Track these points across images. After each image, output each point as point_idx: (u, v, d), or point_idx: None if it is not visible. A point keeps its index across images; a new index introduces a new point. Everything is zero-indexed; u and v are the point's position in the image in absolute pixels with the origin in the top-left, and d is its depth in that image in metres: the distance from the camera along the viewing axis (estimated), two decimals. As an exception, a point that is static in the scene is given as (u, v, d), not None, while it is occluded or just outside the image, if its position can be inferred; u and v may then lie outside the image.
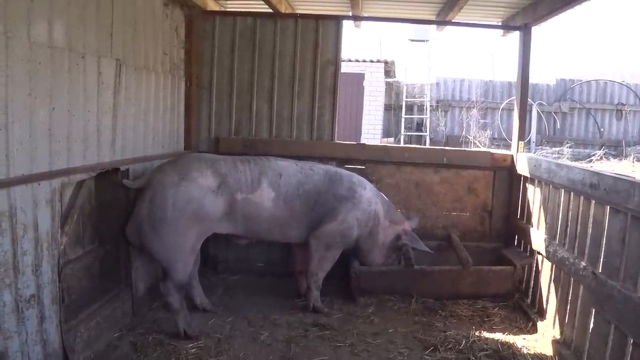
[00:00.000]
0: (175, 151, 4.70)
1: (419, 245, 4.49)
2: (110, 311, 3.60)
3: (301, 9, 5.93)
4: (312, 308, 4.28)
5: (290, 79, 5.15)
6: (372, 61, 15.82)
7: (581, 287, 3.54)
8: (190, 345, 3.60)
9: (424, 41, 16.47)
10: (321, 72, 5.14)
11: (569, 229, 3.84)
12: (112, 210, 3.81)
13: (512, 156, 5.17)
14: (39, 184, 2.81)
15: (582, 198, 3.66)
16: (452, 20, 5.65)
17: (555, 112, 17.58)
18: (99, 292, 3.67)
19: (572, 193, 3.82)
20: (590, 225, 3.53)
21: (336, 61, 5.15)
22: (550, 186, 4.22)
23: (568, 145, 16.29)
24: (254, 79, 5.12)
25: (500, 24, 5.84)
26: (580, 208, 3.67)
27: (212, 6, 5.35)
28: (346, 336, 3.88)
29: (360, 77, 15.73)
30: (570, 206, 3.83)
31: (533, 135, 17.19)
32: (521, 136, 5.16)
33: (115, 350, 3.46)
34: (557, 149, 16.00)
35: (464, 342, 3.80)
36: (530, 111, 17.11)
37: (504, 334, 4.05)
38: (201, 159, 3.94)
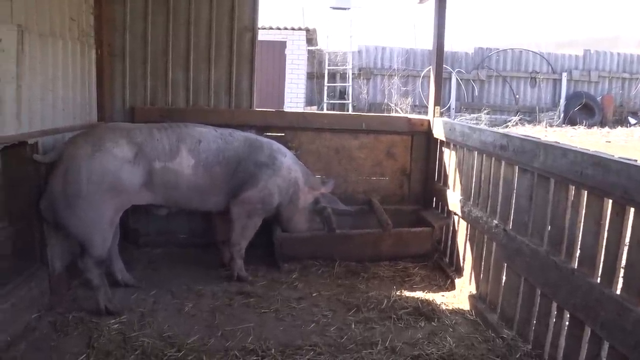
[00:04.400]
0: (88, 122, 4.51)
1: (336, 205, 4.57)
2: (26, 291, 3.44)
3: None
4: (236, 277, 4.27)
5: (206, 46, 5.02)
6: (293, 29, 15.72)
7: (494, 243, 3.72)
8: (113, 321, 3.52)
9: (345, 9, 16.53)
10: (238, 39, 5.04)
11: (482, 189, 4.01)
12: (22, 186, 3.61)
13: (428, 121, 5.29)
14: None
15: (493, 159, 3.81)
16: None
17: (473, 80, 18.15)
18: (12, 272, 3.50)
19: (484, 155, 3.97)
20: (501, 185, 3.69)
21: (253, 28, 5.05)
22: (465, 149, 4.36)
23: (486, 111, 16.90)
24: (168, 45, 4.95)
25: (415, -10, 5.91)
26: (492, 169, 3.83)
27: (123, -31, 5.11)
28: (271, 302, 3.90)
29: (282, 45, 15.62)
30: (483, 167, 3.99)
31: (453, 102, 17.71)
32: (437, 101, 5.28)
33: (33, 332, 3.34)
34: (476, 115, 16.59)
35: (385, 301, 3.92)
36: (450, 79, 17.59)
37: (424, 292, 4.21)
38: (115, 129, 3.80)
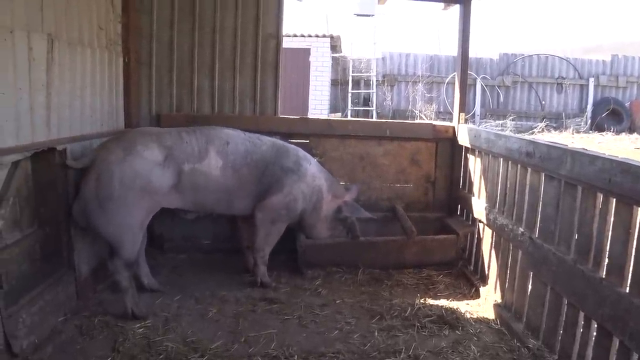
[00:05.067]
0: (115, 129, 4.58)
1: (359, 214, 4.54)
2: (53, 295, 3.50)
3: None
4: (260, 283, 4.29)
5: (231, 53, 5.07)
6: (317, 36, 15.79)
7: (520, 252, 3.67)
8: (138, 325, 3.55)
9: (369, 16, 16.53)
10: (263, 46, 5.08)
11: (507, 197, 3.96)
12: (51, 191, 3.67)
13: (453, 127, 5.26)
14: (-31, 166, 2.70)
15: (519, 166, 3.77)
16: (394, -6, 5.66)
17: (498, 86, 17.99)
18: (40, 276, 3.55)
19: (510, 162, 3.93)
20: (527, 192, 3.65)
21: (278, 35, 5.09)
22: (490, 156, 4.32)
23: (511, 118, 16.74)
24: (194, 53, 5.02)
25: (440, -4, 5.88)
26: (518, 176, 3.79)
27: (149, -22, 5.19)
28: (294, 309, 3.91)
29: (306, 52, 15.70)
30: (509, 174, 3.95)
31: (477, 108, 17.56)
32: (462, 108, 5.25)
33: (60, 335, 3.38)
34: (501, 121, 16.43)
35: (409, 309, 3.89)
36: (475, 85, 17.47)
37: (448, 300, 4.17)
38: (145, 133, 3.88)
